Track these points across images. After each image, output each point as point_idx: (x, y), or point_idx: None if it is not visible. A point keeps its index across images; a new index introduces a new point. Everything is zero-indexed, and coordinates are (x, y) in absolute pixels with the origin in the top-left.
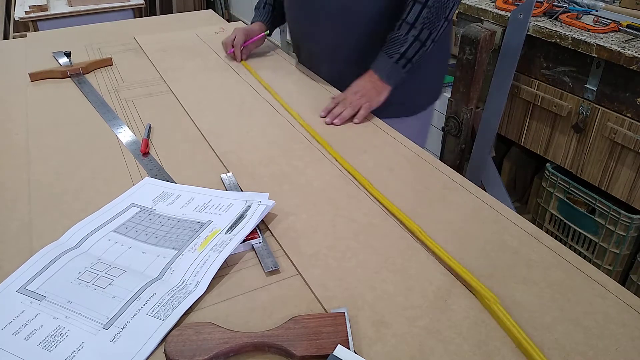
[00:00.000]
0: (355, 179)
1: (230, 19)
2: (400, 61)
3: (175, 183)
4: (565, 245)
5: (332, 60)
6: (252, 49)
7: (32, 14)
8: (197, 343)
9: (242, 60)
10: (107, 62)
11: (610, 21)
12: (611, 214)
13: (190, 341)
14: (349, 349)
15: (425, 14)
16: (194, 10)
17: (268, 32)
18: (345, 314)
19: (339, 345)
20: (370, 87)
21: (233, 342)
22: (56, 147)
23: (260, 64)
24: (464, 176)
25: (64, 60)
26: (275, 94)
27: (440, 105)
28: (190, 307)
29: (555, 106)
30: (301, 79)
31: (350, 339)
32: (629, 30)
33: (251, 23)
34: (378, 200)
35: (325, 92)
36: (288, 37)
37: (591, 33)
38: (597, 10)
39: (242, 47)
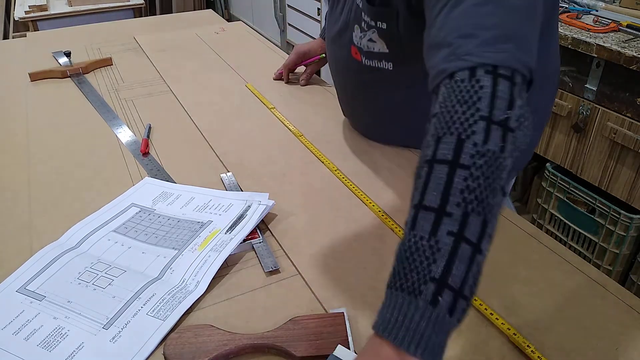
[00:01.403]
0: (353, 181)
1: (230, 18)
2: (443, 299)
3: (175, 183)
4: (565, 245)
5: (369, 126)
6: (314, 71)
7: (32, 14)
8: (196, 345)
9: (287, 81)
10: (107, 62)
11: (610, 21)
12: (611, 214)
13: (190, 344)
14: (348, 349)
15: (463, 184)
16: (194, 10)
17: (324, 54)
18: (345, 314)
19: (339, 345)
20: None
21: (232, 343)
22: (56, 147)
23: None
24: None
25: (63, 60)
26: (285, 120)
27: None
28: (190, 307)
29: (555, 106)
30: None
31: (350, 339)
32: (629, 30)
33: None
34: (376, 202)
35: (329, 94)
36: (288, 37)
37: (591, 33)
38: (597, 10)
39: (296, 68)
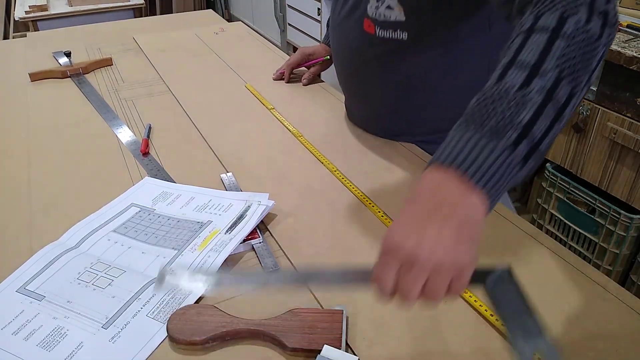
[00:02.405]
0: (353, 181)
1: (230, 19)
2: (520, 147)
3: (175, 183)
4: (565, 245)
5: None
6: (316, 72)
7: (32, 14)
8: (197, 324)
9: (288, 81)
10: (107, 62)
11: None
12: (611, 214)
13: (192, 321)
14: (340, 346)
15: (562, 50)
16: (194, 10)
17: (328, 57)
18: (344, 312)
19: (325, 345)
20: (443, 215)
21: (230, 326)
22: (56, 147)
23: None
24: None
25: (64, 60)
26: (285, 120)
27: None
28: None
29: None
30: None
31: (343, 337)
32: (629, 30)
33: (322, 42)
34: (376, 203)
35: (329, 96)
36: (288, 37)
37: None
38: None
39: (297, 69)
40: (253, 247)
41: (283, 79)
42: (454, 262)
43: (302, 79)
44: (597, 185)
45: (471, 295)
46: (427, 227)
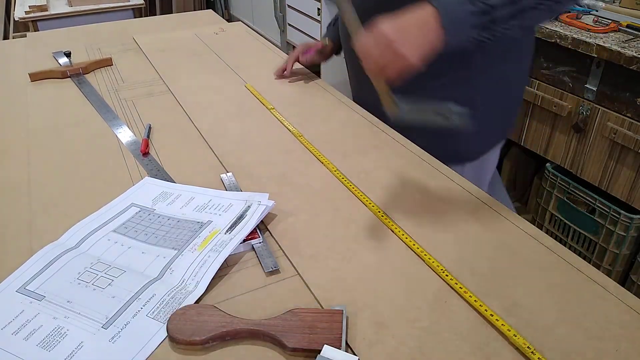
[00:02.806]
0: (353, 181)
1: (230, 19)
2: (481, 15)
3: (175, 183)
4: (565, 245)
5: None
6: (315, 59)
7: (32, 14)
8: (197, 324)
9: (290, 74)
10: (107, 62)
11: (610, 21)
12: (611, 214)
13: (192, 321)
14: (340, 346)
15: None
16: (194, 10)
17: (327, 42)
18: (344, 311)
19: (325, 345)
20: (416, 28)
21: (230, 326)
22: (56, 147)
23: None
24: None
25: (63, 60)
26: (283, 119)
27: None
28: None
29: (555, 106)
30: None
31: (343, 336)
32: (629, 30)
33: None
34: (376, 203)
35: (330, 96)
36: (288, 37)
37: (591, 33)
38: (597, 10)
39: (299, 57)
40: (253, 247)
41: (284, 78)
42: (406, 54)
43: (300, 58)
44: (597, 185)
45: (471, 295)
46: (404, 31)
